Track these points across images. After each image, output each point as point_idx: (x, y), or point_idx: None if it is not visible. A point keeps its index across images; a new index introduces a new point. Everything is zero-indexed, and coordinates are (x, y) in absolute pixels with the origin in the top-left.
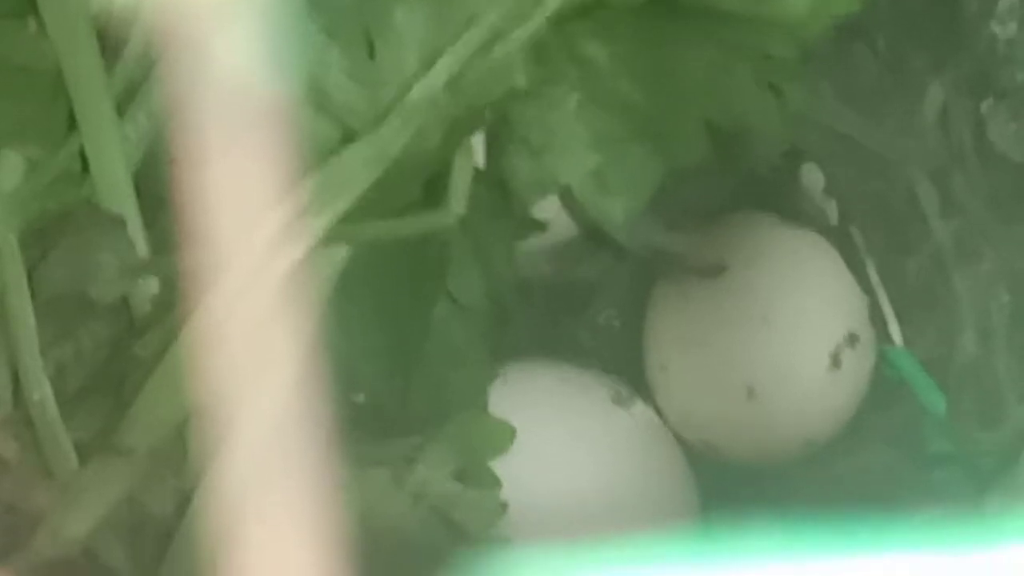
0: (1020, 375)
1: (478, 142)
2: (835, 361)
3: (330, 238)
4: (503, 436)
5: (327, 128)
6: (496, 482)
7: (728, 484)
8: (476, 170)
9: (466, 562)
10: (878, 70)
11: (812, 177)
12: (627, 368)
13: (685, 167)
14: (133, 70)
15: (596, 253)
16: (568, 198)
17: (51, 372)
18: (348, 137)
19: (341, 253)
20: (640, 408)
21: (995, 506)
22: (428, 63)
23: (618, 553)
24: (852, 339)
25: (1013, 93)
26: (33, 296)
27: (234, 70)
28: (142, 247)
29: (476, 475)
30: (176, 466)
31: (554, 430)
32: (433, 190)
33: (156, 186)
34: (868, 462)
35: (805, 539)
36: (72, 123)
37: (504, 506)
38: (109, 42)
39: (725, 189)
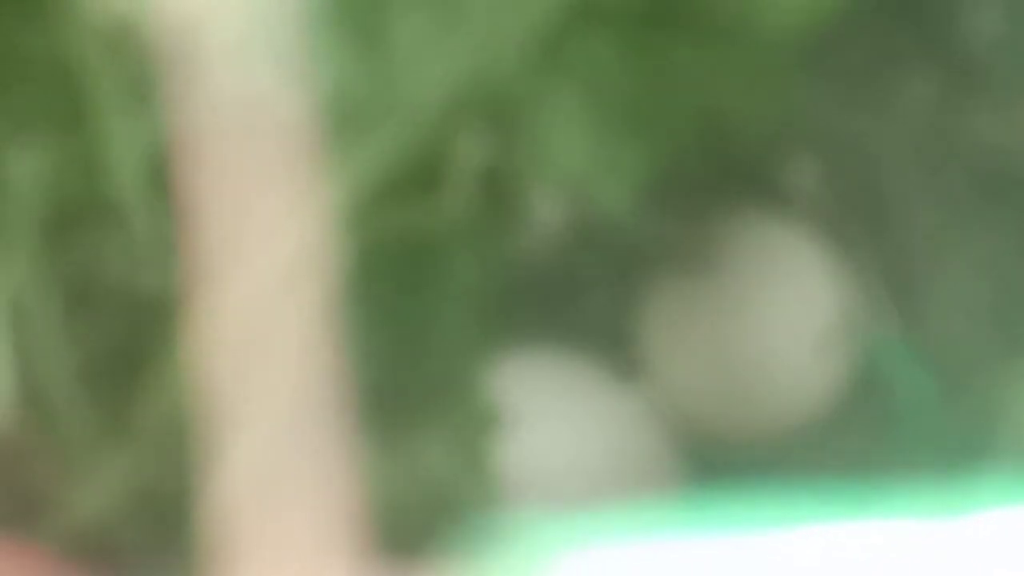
0: (998, 357)
1: (478, 133)
2: (820, 345)
3: (334, 231)
4: (500, 419)
5: (330, 123)
6: (493, 464)
7: (717, 465)
8: (476, 161)
9: (463, 541)
10: (866, 61)
11: (800, 167)
12: (620, 354)
13: (678, 159)
14: (144, 63)
15: (591, 243)
16: (564, 189)
17: (67, 356)
18: (351, 132)
19: (344, 245)
20: (632, 392)
21: (973, 483)
22: (430, 59)
23: (610, 526)
24: (836, 324)
25: (998, 83)
26: (48, 284)
27: (242, 66)
28: (154, 238)
29: (474, 457)
30: (190, 448)
31: (549, 414)
32: (433, 182)
33: (168, 178)
34: (851, 443)
35: (789, 511)
36: (85, 116)
37: (500, 487)
38: (120, 34)
39: (716, 181)
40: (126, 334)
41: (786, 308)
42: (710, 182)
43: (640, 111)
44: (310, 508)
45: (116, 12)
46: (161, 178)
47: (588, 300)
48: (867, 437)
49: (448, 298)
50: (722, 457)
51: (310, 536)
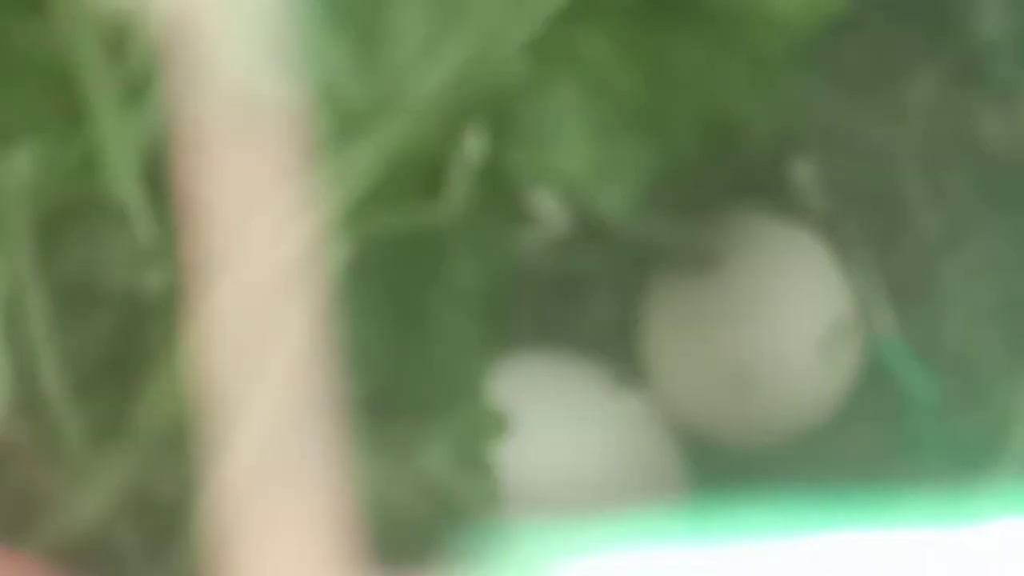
0: (1006, 362)
1: (477, 134)
2: (824, 349)
3: (331, 231)
4: (502, 424)
5: (328, 122)
6: (495, 469)
7: (720, 471)
8: (475, 162)
9: (463, 547)
10: (868, 61)
11: (802, 168)
12: (622, 358)
13: (679, 159)
14: (141, 61)
15: (592, 245)
16: (565, 190)
17: (61, 359)
18: (349, 131)
19: (342, 245)
20: (634, 397)
21: (981, 491)
22: (429, 57)
23: (612, 533)
24: (841, 327)
25: (1002, 84)
26: (43, 285)
27: (239, 64)
28: (151, 237)
29: (475, 462)
30: (186, 452)
31: (549, 419)
32: (432, 182)
33: (164, 177)
34: (857, 448)
35: (795, 519)
36: (81, 114)
37: (503, 492)
38: (117, 32)
39: (717, 181)
40: (123, 335)
41: (791, 310)
42: (713, 182)
43: (642, 110)
44: (309, 513)
45: (114, 8)
46: (159, 177)
47: (588, 304)
48: (874, 442)
49: (448, 300)
50: (726, 462)
51: (308, 541)
